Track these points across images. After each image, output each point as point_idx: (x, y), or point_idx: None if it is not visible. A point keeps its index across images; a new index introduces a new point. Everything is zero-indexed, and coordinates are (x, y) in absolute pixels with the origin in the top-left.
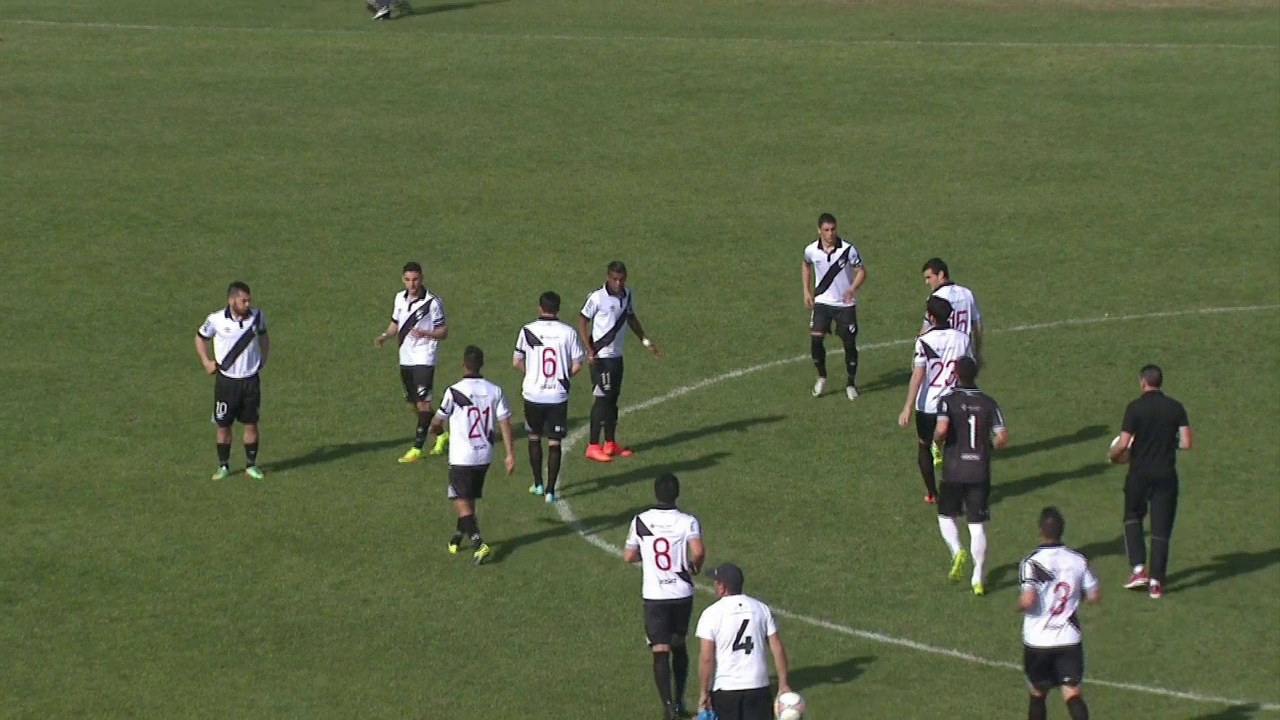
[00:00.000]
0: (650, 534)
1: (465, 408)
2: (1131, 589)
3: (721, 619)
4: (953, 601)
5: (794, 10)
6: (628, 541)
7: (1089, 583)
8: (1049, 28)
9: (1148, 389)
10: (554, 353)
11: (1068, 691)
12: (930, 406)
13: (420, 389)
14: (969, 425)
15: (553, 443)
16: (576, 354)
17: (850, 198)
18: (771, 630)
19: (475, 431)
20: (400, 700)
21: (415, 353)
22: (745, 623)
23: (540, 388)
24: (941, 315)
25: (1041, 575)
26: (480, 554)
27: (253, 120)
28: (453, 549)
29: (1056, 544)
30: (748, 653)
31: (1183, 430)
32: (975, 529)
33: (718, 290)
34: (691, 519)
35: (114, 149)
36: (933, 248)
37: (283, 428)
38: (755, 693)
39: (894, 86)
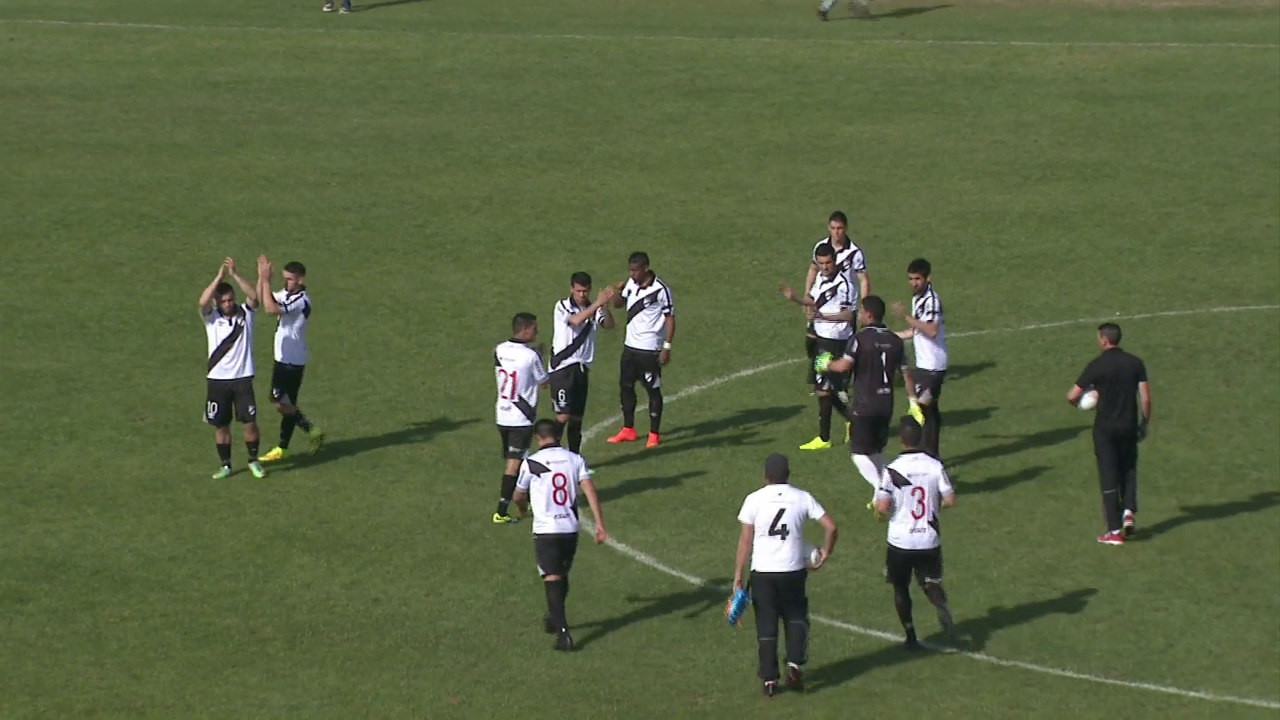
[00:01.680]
0: (547, 470)
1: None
2: (1104, 542)
3: (760, 506)
4: (964, 600)
5: (805, 9)
6: (519, 485)
7: (944, 486)
8: (1060, 27)
9: (1109, 346)
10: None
11: (928, 582)
12: (926, 363)
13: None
14: (880, 361)
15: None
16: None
17: (861, 197)
18: (817, 514)
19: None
20: (411, 699)
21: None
22: (782, 511)
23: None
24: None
25: (899, 481)
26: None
27: (264, 120)
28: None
29: (915, 451)
30: (783, 538)
31: (1141, 386)
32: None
33: (729, 289)
34: (581, 459)
35: (125, 148)
36: (943, 247)
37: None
38: (789, 575)
39: (905, 86)
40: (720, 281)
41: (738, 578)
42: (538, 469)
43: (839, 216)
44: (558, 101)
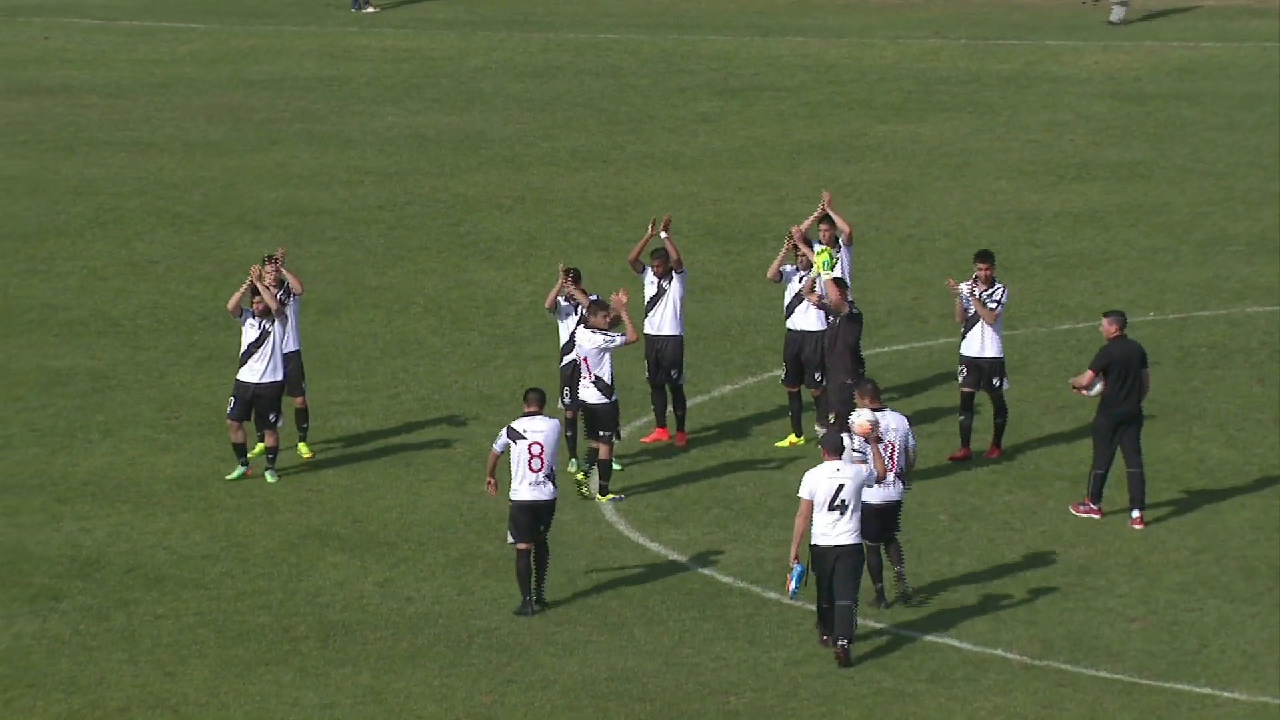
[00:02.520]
0: (524, 438)
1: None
2: (1083, 515)
3: (819, 481)
4: (997, 601)
5: (838, 9)
6: (494, 446)
7: (911, 441)
8: (1095, 26)
9: (1117, 333)
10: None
11: (885, 537)
12: (973, 350)
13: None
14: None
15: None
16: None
17: (895, 196)
18: (872, 475)
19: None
20: (444, 698)
21: None
22: (841, 486)
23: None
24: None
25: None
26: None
27: (298, 118)
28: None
29: (880, 407)
30: (842, 513)
31: (1143, 372)
32: None
33: (761, 289)
34: (556, 421)
35: (159, 147)
36: (978, 246)
37: (326, 426)
38: (847, 549)
39: (939, 85)
40: (753, 281)
41: (794, 552)
42: (515, 435)
43: (824, 220)
44: (591, 100)
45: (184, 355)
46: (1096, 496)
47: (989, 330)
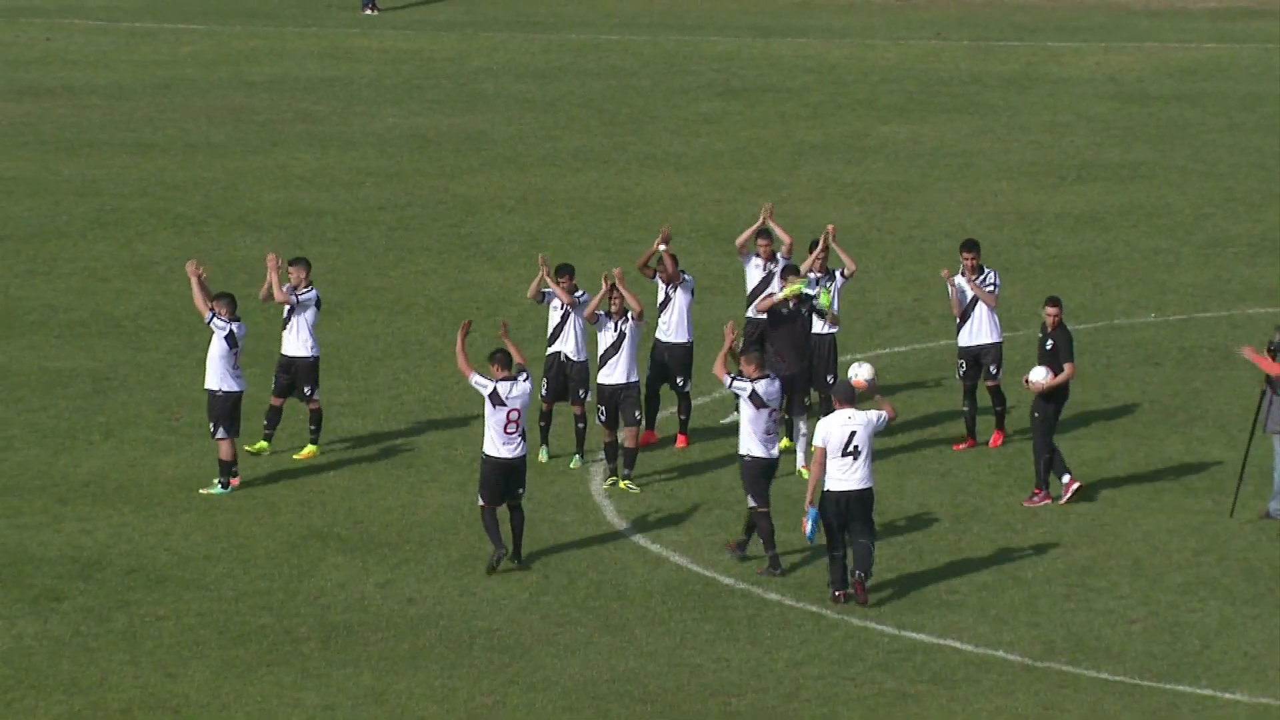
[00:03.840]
0: (505, 405)
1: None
2: (1069, 497)
3: (831, 430)
4: (998, 602)
5: (840, 10)
6: (473, 380)
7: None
8: (1096, 27)
9: (1060, 320)
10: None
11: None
12: (970, 339)
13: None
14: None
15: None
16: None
17: (896, 197)
18: (884, 417)
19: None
20: (445, 699)
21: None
22: (853, 433)
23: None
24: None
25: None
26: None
27: (299, 119)
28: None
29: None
30: (855, 459)
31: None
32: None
33: None
34: (529, 384)
35: (161, 148)
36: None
37: (328, 427)
38: (859, 493)
39: (940, 86)
40: None
41: (810, 498)
42: (497, 401)
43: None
44: (593, 101)
45: (185, 356)
46: (1065, 469)
47: (986, 317)
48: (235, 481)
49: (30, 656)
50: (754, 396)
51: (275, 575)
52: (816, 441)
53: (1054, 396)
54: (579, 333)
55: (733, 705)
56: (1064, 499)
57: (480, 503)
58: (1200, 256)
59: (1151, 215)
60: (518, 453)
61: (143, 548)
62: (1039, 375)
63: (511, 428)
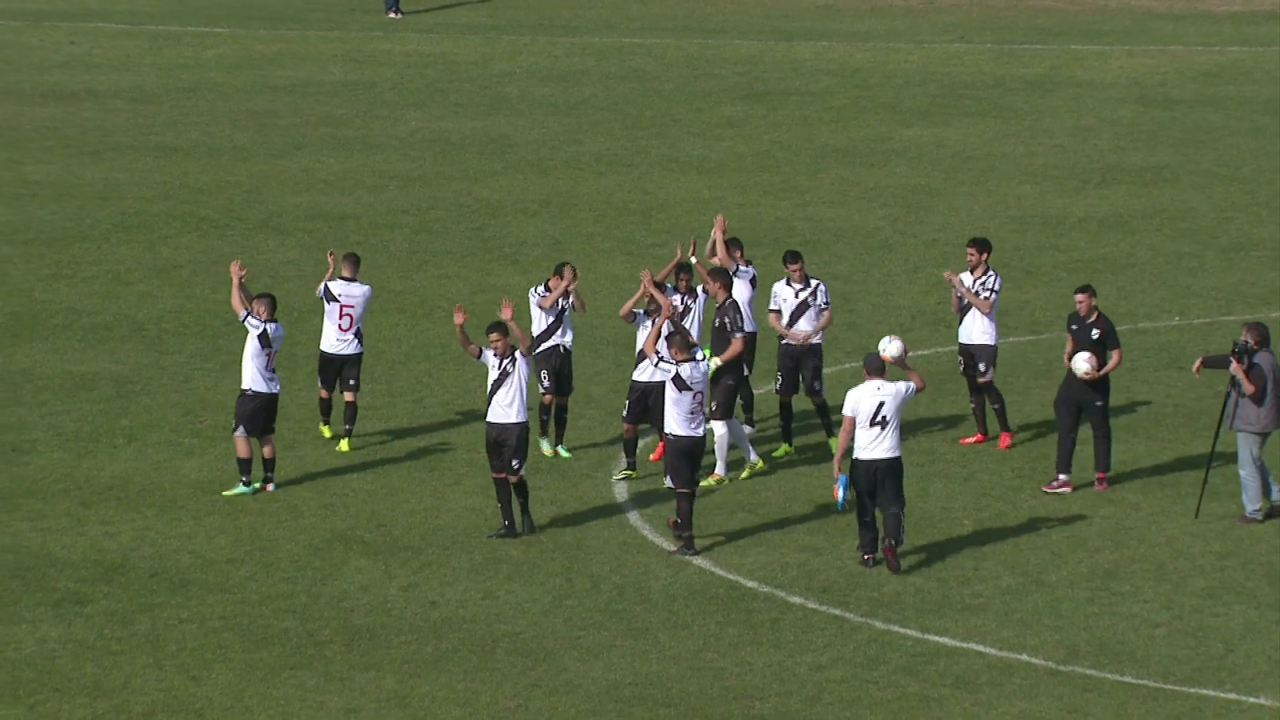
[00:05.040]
0: (510, 376)
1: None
2: (1053, 491)
3: (861, 399)
4: (1022, 605)
5: (863, 13)
6: (484, 356)
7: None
8: (1119, 30)
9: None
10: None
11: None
12: (964, 337)
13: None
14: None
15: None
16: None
17: (919, 201)
18: (913, 387)
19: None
20: (468, 702)
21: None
22: (882, 404)
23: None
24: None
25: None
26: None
27: (322, 123)
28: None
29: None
30: (883, 428)
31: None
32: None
33: None
34: (528, 359)
35: (184, 151)
36: (1002, 251)
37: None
38: (890, 462)
39: (963, 89)
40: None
41: (838, 467)
42: (504, 376)
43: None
44: (615, 105)
45: (208, 360)
46: (1067, 467)
47: (980, 318)
48: (268, 487)
49: (54, 660)
50: (677, 379)
51: (298, 578)
52: (846, 411)
53: (1100, 385)
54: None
55: (756, 709)
56: (1048, 489)
57: (493, 472)
58: (1224, 260)
59: (1175, 219)
60: (514, 419)
61: (166, 551)
62: (1082, 364)
63: (514, 394)
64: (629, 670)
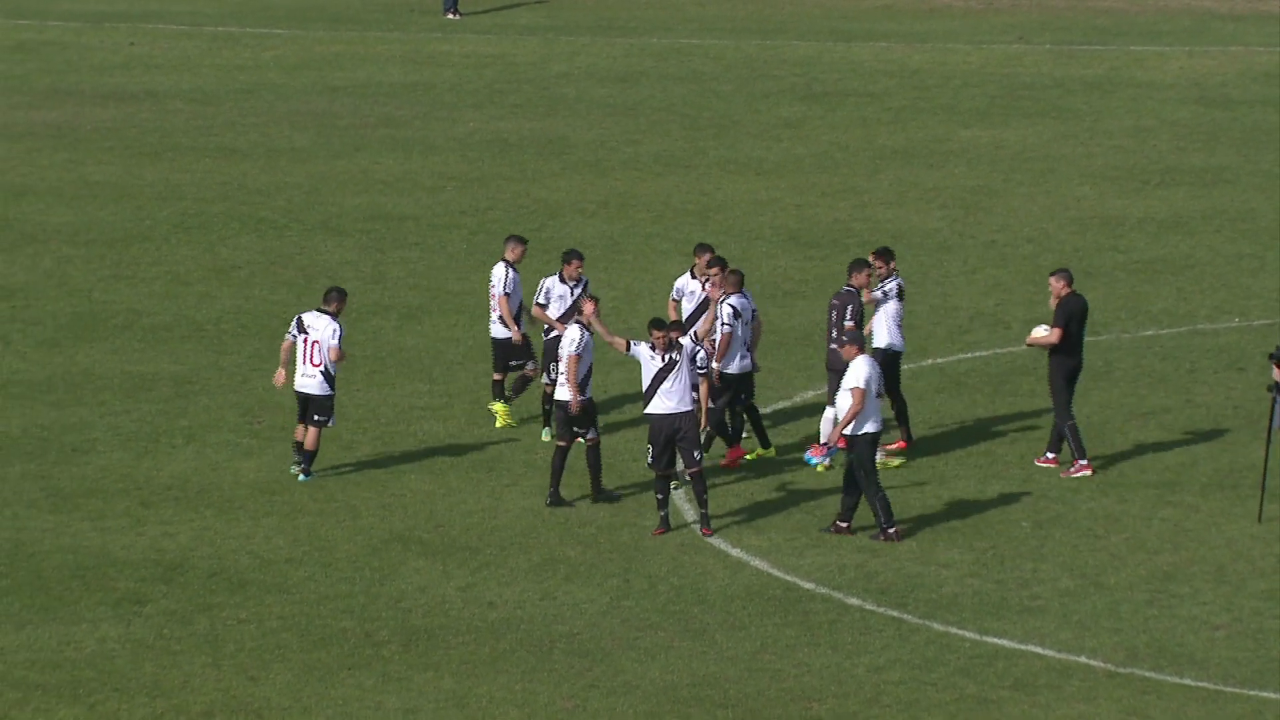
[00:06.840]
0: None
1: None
2: (1077, 476)
3: (872, 373)
4: (1080, 607)
5: (922, 14)
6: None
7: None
8: (1179, 31)
9: (1069, 290)
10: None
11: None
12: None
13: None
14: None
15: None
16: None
17: (978, 201)
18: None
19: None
20: (526, 703)
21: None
22: (879, 375)
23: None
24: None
25: (738, 315)
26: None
27: (381, 124)
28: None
29: (740, 292)
30: (880, 399)
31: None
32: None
33: None
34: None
35: (243, 153)
36: (1061, 252)
37: (409, 430)
38: (875, 434)
39: (1022, 90)
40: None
41: (838, 435)
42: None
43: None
44: (674, 106)
45: (267, 360)
46: (1081, 451)
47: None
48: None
49: (113, 659)
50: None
51: (356, 579)
52: (859, 384)
53: (1062, 360)
54: None
55: (813, 711)
56: (1067, 474)
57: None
58: None
59: (1235, 220)
60: (563, 396)
61: (224, 551)
62: (1038, 331)
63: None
64: (686, 671)
